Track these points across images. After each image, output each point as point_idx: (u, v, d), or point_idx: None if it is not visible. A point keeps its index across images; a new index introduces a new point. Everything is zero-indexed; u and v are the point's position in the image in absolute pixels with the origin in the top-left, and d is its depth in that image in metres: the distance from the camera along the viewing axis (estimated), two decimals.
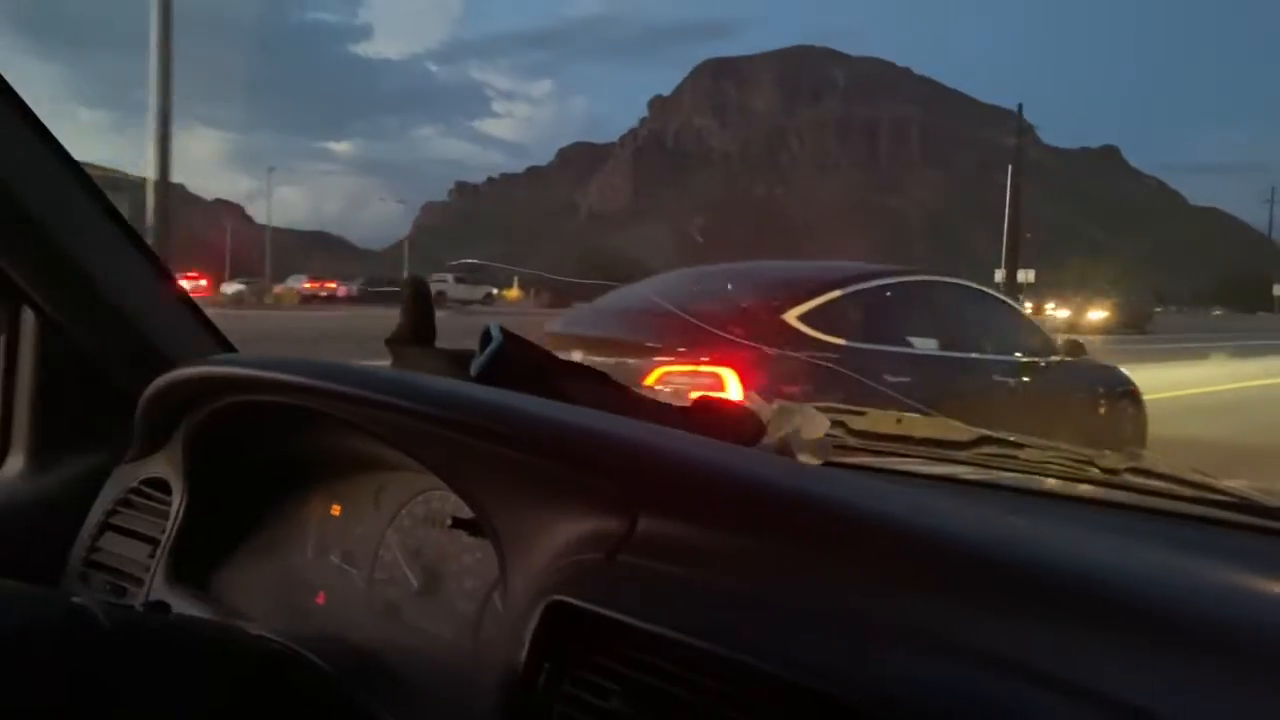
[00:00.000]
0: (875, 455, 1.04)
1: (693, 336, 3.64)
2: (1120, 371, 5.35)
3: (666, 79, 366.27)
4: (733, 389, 3.45)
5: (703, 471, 0.69)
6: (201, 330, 1.33)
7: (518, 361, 0.94)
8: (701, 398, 0.97)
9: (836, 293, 3.94)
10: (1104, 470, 0.92)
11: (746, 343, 3.59)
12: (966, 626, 0.52)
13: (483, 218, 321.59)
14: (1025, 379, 4.41)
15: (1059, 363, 4.69)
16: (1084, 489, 0.92)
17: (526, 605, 0.70)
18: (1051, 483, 0.94)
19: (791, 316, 3.78)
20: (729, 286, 4.21)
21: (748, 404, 0.98)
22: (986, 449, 1.01)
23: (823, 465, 0.93)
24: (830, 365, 3.63)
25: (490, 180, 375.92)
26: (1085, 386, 4.95)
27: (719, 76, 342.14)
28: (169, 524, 1.09)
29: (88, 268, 1.19)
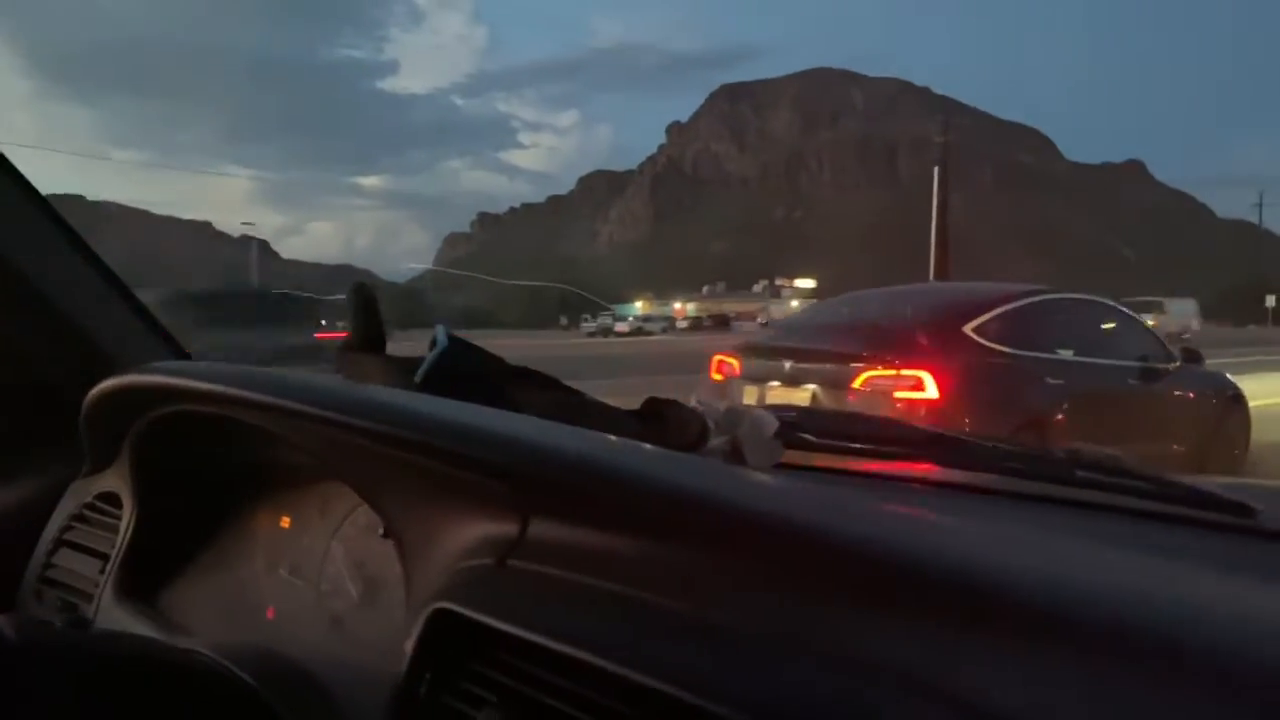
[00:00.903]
0: (828, 456, 1.03)
1: (889, 345, 4.35)
2: (1227, 377, 5.79)
3: (689, 105, 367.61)
4: (930, 389, 4.12)
5: (586, 469, 0.66)
6: (158, 341, 1.33)
7: (463, 366, 0.94)
8: (649, 401, 0.96)
9: (1001, 309, 4.65)
10: (1056, 466, 0.92)
11: (943, 348, 4.33)
12: (871, 638, 0.50)
13: (504, 247, 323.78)
14: (1153, 383, 4.99)
15: (1178, 368, 5.22)
16: (1035, 486, 0.91)
17: (415, 612, 0.68)
18: (1002, 480, 0.94)
19: (968, 329, 4.50)
20: (911, 305, 4.97)
21: (696, 406, 0.98)
22: (941, 448, 1.00)
23: (773, 468, 0.92)
24: (1006, 367, 4.40)
25: (512, 210, 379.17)
26: (1200, 390, 5.45)
27: (736, 101, 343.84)
28: (119, 538, 1.08)
29: (38, 283, 1.18)
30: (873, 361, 4.28)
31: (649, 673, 0.53)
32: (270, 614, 1.01)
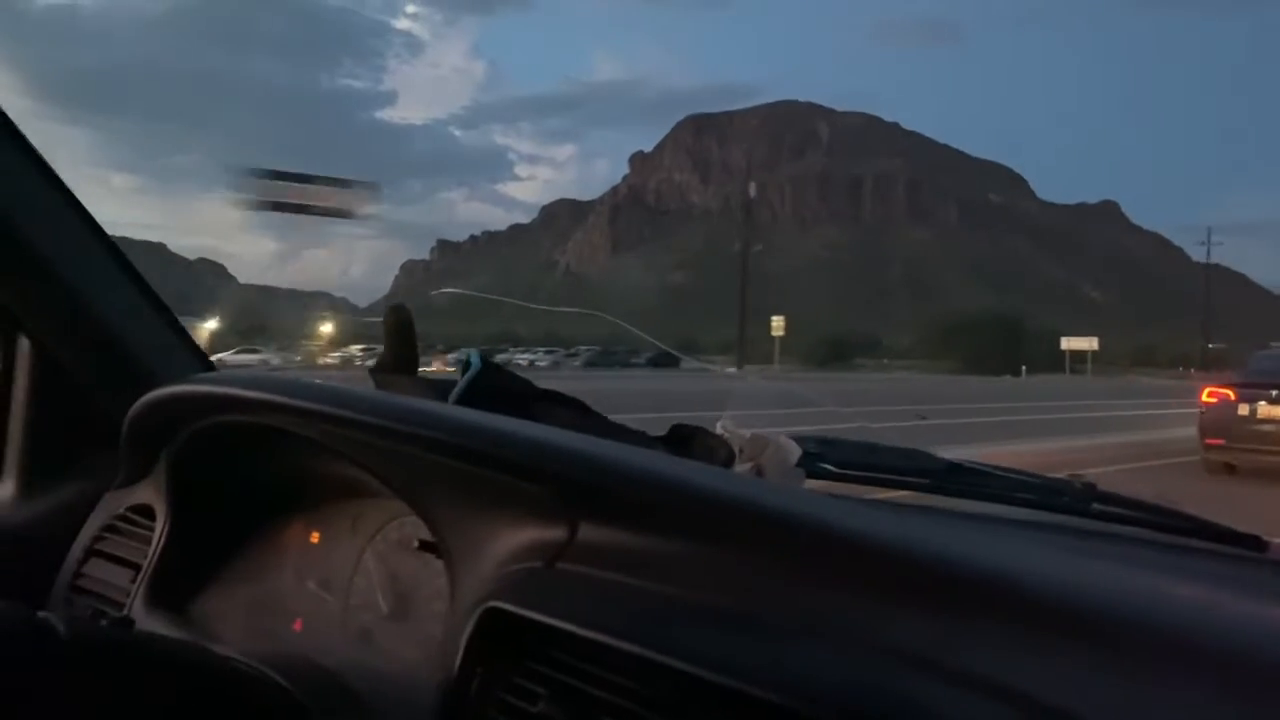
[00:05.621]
0: (848, 484, 1.05)
1: None
2: None
3: (658, 136, 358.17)
4: None
5: (637, 477, 0.69)
6: (190, 354, 1.34)
7: (496, 388, 0.96)
8: (675, 427, 1.00)
9: None
10: (1071, 498, 0.93)
11: None
12: (892, 626, 0.53)
13: (462, 275, 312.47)
14: None
15: None
16: (1050, 516, 0.93)
17: (464, 614, 0.71)
18: (1018, 510, 0.95)
19: None
20: None
21: (721, 433, 0.99)
22: (958, 478, 1.02)
23: None
24: None
25: (473, 238, 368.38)
26: None
27: (700, 132, 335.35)
28: (151, 549, 1.09)
29: (82, 297, 1.20)
30: None
31: (693, 661, 0.57)
32: (298, 626, 1.03)
